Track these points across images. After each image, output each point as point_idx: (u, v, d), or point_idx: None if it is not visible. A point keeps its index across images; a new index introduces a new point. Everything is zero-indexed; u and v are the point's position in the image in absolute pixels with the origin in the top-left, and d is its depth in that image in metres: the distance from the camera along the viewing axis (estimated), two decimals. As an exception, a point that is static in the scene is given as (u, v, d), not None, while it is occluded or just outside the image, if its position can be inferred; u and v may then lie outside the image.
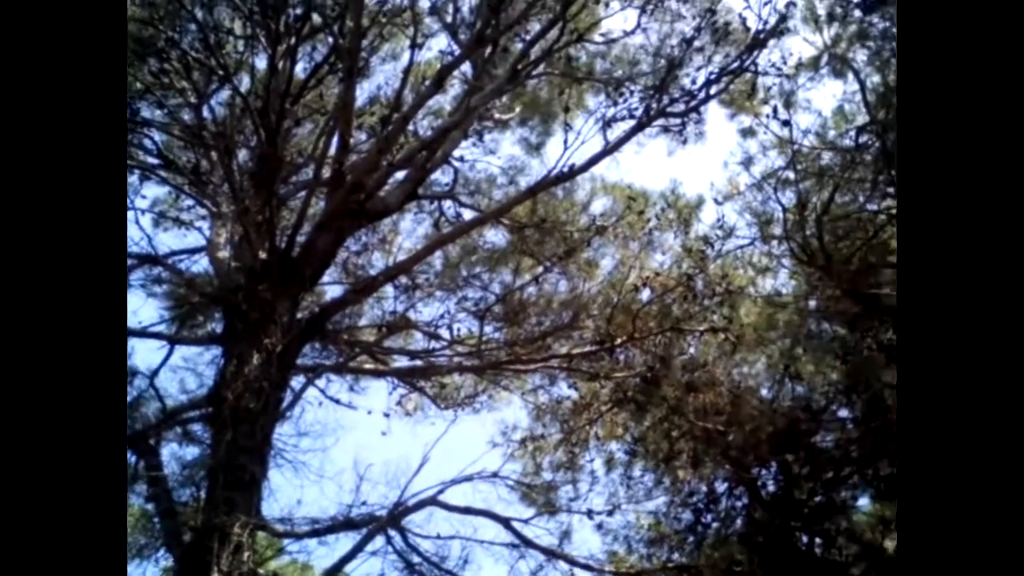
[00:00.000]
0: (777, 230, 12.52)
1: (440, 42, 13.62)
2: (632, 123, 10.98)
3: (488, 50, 11.52)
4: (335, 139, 10.91)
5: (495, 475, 12.69)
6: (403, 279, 13.56)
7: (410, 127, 12.70)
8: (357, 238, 13.91)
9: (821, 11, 11.96)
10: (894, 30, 11.17)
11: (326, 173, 11.04)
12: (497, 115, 14.12)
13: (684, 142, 12.18)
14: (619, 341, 12.51)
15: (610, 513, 12.88)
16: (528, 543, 12.18)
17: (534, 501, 13.39)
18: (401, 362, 13.81)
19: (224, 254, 11.40)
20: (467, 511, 12.03)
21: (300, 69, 13.20)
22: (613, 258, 14.07)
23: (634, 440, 13.62)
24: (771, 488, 12.94)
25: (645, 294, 12.89)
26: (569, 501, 13.46)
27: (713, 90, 11.10)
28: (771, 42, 10.91)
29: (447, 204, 14.36)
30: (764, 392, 13.19)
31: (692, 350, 13.06)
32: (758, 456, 12.15)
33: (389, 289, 13.66)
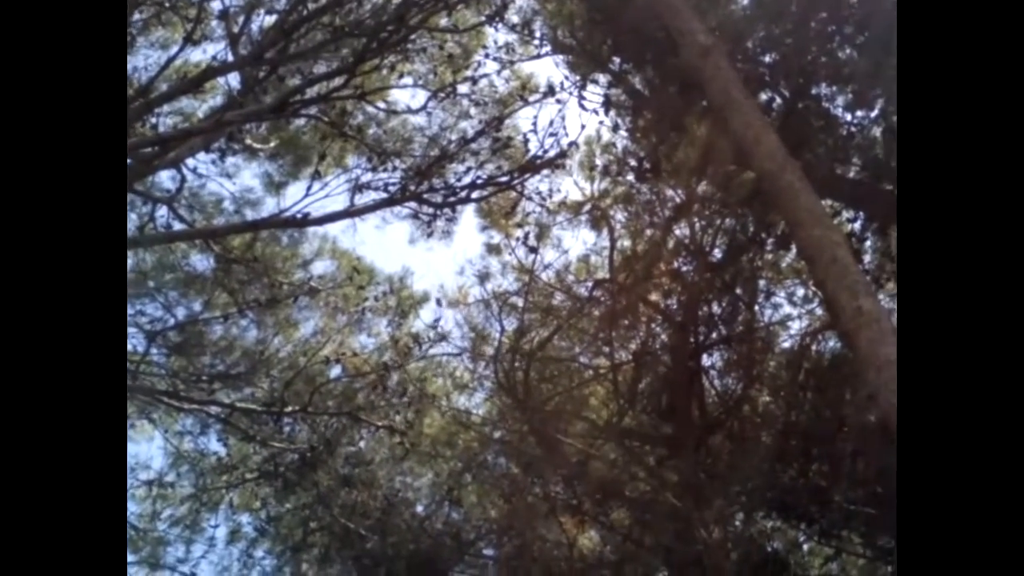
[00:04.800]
0: (489, 351, 12.30)
1: (218, 48, 12.73)
2: (384, 196, 10.52)
3: (263, 72, 10.79)
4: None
5: (104, 509, 11.44)
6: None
7: (152, 119, 11.67)
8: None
9: (598, 162, 12.17)
10: (658, 207, 11.57)
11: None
12: (249, 140, 13.18)
13: (430, 235, 11.93)
14: (290, 409, 11.65)
15: (217, 585, 11.83)
16: (115, 592, 10.89)
17: (138, 548, 12.30)
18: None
19: None
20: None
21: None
22: (315, 323, 13.38)
23: (268, 519, 12.69)
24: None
25: (335, 371, 12.29)
26: (177, 560, 12.48)
27: (475, 194, 10.88)
28: (544, 172, 10.94)
29: (161, 210, 13.06)
30: (419, 508, 12.68)
31: (363, 443, 12.54)
32: (390, 572, 11.48)
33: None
